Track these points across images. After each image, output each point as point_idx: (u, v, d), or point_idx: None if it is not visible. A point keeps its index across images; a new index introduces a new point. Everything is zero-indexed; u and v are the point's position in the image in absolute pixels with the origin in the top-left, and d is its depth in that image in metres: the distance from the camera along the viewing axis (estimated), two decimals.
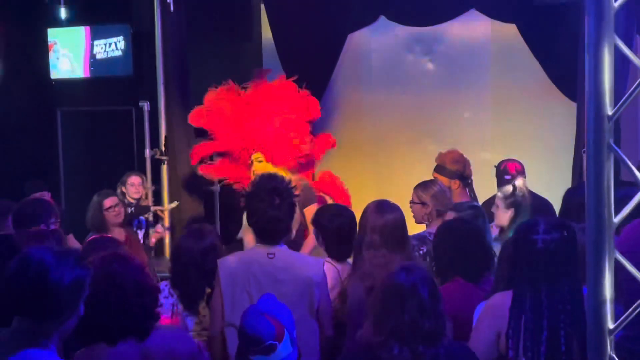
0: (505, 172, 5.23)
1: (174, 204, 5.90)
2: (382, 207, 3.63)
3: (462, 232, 3.46)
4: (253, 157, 5.43)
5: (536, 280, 2.62)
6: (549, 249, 2.61)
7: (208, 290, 3.61)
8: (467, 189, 5.21)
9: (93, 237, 4.38)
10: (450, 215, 3.99)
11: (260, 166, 5.32)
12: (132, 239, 5.10)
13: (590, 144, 1.69)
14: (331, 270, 3.71)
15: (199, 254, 3.60)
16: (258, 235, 3.40)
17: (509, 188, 4.46)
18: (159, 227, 5.76)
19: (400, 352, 2.38)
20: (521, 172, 5.21)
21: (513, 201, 4.37)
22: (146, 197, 6.43)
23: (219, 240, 3.82)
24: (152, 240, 5.74)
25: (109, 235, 4.46)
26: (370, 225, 3.56)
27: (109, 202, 5.23)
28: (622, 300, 2.12)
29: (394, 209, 3.64)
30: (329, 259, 3.79)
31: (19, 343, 2.11)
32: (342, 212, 3.93)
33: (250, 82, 5.84)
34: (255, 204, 3.35)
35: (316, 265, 3.45)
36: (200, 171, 5.90)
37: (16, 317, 2.15)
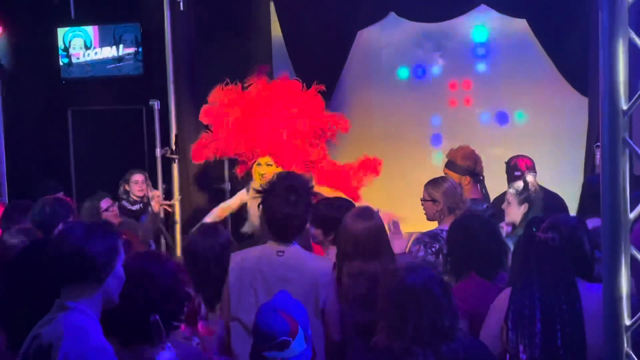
0: (515, 168, 5.20)
1: (179, 198, 5.92)
2: (357, 216, 3.50)
3: (476, 227, 3.45)
4: (262, 160, 5.42)
5: (530, 274, 2.72)
6: (540, 247, 2.72)
7: None
8: (478, 185, 5.18)
9: None
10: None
11: (270, 169, 5.33)
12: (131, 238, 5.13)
13: (605, 139, 1.68)
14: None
15: (218, 249, 3.63)
16: (271, 233, 3.37)
17: (520, 184, 4.44)
18: (155, 193, 5.70)
19: (424, 356, 2.33)
20: (531, 169, 5.18)
21: (526, 197, 4.36)
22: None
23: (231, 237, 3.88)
24: (155, 206, 5.67)
25: None
26: (343, 235, 3.47)
27: (105, 203, 5.26)
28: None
29: (369, 217, 3.48)
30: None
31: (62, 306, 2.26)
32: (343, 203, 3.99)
33: (251, 79, 5.79)
34: (271, 200, 3.31)
35: (324, 265, 3.38)
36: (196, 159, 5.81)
37: (62, 289, 2.29)
